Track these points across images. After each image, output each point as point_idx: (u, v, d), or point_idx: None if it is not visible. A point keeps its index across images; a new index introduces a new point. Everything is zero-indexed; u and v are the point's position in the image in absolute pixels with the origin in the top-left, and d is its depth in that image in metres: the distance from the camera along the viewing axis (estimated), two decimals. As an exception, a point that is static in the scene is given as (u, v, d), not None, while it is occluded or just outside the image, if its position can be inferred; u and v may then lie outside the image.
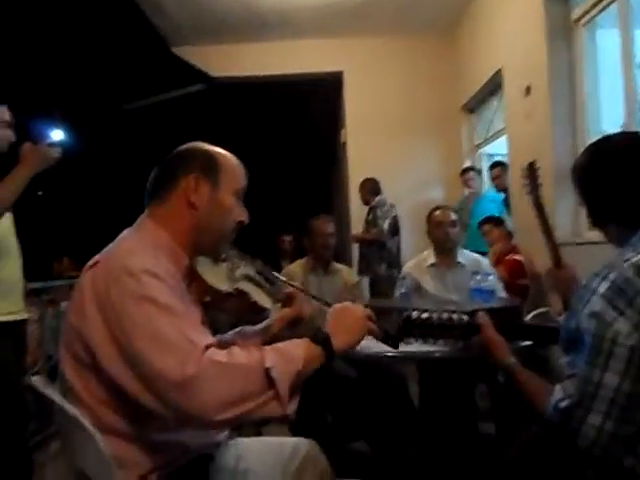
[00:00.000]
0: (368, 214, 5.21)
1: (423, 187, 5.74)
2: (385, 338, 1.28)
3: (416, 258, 2.97)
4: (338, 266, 3.06)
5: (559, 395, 1.14)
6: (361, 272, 4.94)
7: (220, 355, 1.01)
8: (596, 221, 1.30)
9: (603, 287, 1.10)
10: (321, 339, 1.11)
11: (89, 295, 1.07)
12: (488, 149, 5.59)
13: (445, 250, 2.86)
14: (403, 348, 1.52)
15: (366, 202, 5.26)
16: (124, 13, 5.01)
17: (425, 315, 1.32)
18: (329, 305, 1.28)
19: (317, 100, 6.90)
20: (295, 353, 1.06)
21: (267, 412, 1.02)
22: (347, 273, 3.07)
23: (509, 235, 3.85)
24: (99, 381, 1.08)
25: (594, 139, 1.37)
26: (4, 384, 2.01)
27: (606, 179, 1.24)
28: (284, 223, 6.11)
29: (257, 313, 1.44)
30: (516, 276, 3.46)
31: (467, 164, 5.51)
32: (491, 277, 2.56)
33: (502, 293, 2.74)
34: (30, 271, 2.31)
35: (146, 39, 5.52)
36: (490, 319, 1.40)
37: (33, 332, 2.36)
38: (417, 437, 2.51)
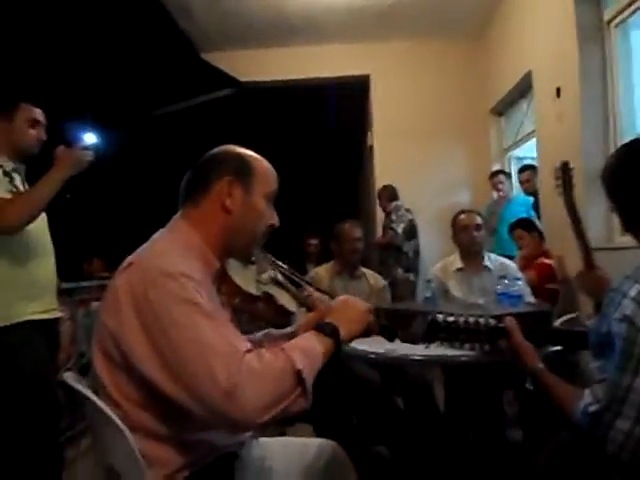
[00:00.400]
0: (385, 219, 5.37)
1: (450, 191, 5.70)
2: (382, 331, 1.30)
3: (442, 262, 2.96)
4: (364, 271, 3.06)
5: (588, 399, 1.13)
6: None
7: (255, 361, 1.03)
8: (628, 225, 1.28)
9: (634, 290, 1.08)
10: (330, 331, 1.14)
11: (125, 296, 1.08)
12: (517, 152, 5.51)
13: (471, 254, 2.83)
14: (429, 352, 1.52)
15: (384, 208, 5.41)
16: (154, 19, 5.10)
17: (451, 318, 1.31)
18: None
19: (344, 104, 6.91)
20: (316, 349, 1.10)
21: (295, 408, 1.05)
22: (373, 278, 3.07)
23: (541, 239, 3.79)
24: (130, 380, 1.09)
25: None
26: (39, 381, 2.06)
27: (638, 181, 1.21)
28: (310, 226, 6.12)
29: (283, 316, 1.46)
30: (546, 280, 3.40)
31: (496, 167, 5.45)
32: (519, 282, 2.53)
33: (530, 298, 2.70)
34: (62, 271, 2.37)
35: (175, 45, 5.60)
36: (518, 324, 1.38)
37: (66, 330, 2.41)
38: (442, 442, 2.48)
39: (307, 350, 1.08)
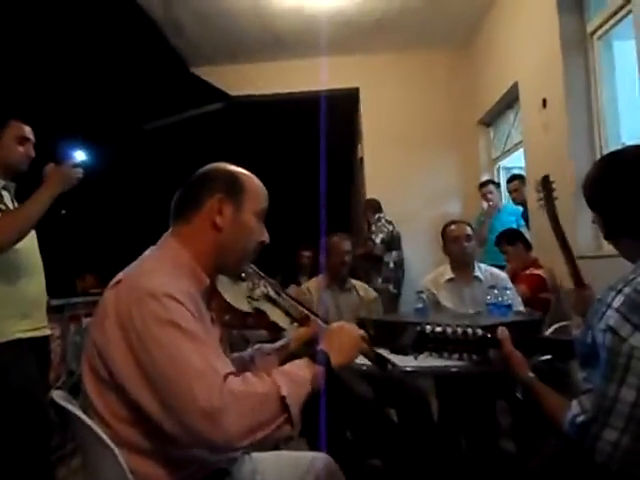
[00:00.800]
0: (367, 231, 5.44)
1: (440, 201, 5.73)
2: (377, 360, 1.32)
3: (433, 273, 2.97)
4: (354, 283, 3.06)
5: (575, 410, 1.13)
6: None
7: (238, 384, 1.03)
8: (609, 235, 1.29)
9: (618, 301, 1.09)
10: (321, 359, 1.15)
11: (111, 314, 1.09)
12: (505, 162, 5.56)
13: (462, 265, 2.85)
14: (420, 363, 1.52)
15: (368, 220, 5.46)
16: (145, 35, 5.13)
17: (439, 329, 1.32)
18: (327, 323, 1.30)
19: (334, 116, 6.93)
20: (303, 376, 1.10)
21: (280, 434, 1.06)
22: (363, 289, 3.07)
23: (527, 249, 3.79)
24: (118, 398, 1.09)
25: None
26: (28, 400, 2.04)
27: (619, 191, 1.23)
28: (303, 239, 6.13)
29: (275, 332, 1.46)
30: (538, 290, 3.41)
31: (485, 177, 5.49)
32: (509, 291, 2.54)
33: (520, 307, 2.71)
34: (52, 288, 2.36)
35: (165, 60, 5.64)
36: (508, 333, 1.39)
37: (55, 348, 2.39)
38: (436, 453, 2.48)
39: (294, 376, 1.09)
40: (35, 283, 2.20)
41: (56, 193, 2.08)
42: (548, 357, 1.77)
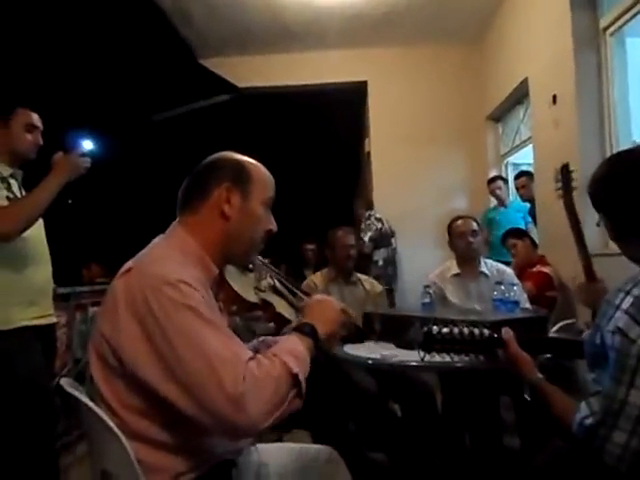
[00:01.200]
0: (357, 229, 5.45)
1: (447, 197, 5.70)
2: (356, 333, 1.33)
3: (440, 268, 2.96)
4: (360, 276, 3.07)
5: (584, 412, 1.12)
6: None
7: (256, 368, 1.04)
8: (616, 235, 1.27)
9: (626, 303, 1.08)
10: (309, 331, 1.18)
11: (122, 302, 1.08)
12: (513, 158, 5.53)
13: (468, 260, 2.84)
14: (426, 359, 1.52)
15: (359, 217, 5.48)
16: (154, 26, 5.13)
17: (446, 330, 1.31)
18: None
19: (342, 110, 6.92)
20: (302, 351, 1.13)
21: (293, 409, 1.08)
22: (369, 283, 3.07)
23: (533, 246, 3.79)
24: (127, 387, 1.09)
25: (624, 148, 1.34)
26: (34, 387, 2.06)
27: (626, 191, 1.21)
28: (308, 232, 6.13)
29: (281, 324, 1.46)
30: (545, 288, 3.40)
31: (493, 173, 5.47)
32: (515, 288, 2.53)
33: (526, 304, 2.70)
34: (59, 276, 2.37)
35: (174, 51, 5.63)
36: (514, 330, 1.38)
37: (61, 336, 2.41)
38: (440, 448, 2.48)
39: (296, 353, 1.11)
40: (42, 271, 2.20)
41: (63, 182, 2.09)
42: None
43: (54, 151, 2.16)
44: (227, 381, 0.99)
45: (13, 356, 2.02)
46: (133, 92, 6.35)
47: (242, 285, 1.33)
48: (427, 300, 2.59)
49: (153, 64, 5.82)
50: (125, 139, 7.24)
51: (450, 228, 2.94)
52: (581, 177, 3.28)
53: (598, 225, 1.31)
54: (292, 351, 1.11)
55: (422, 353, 1.34)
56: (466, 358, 1.36)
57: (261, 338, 1.51)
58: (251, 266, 1.36)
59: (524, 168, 5.01)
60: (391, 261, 5.33)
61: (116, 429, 1.08)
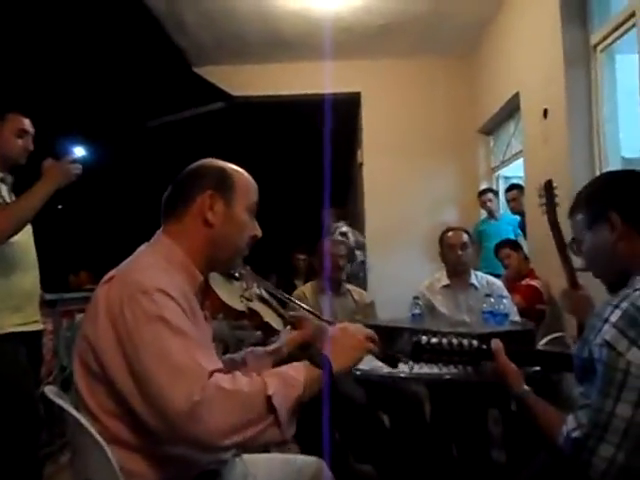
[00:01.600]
0: None
1: (439, 209, 5.73)
2: (385, 358, 1.30)
3: (430, 279, 2.97)
4: (349, 287, 3.06)
5: (571, 425, 1.12)
6: None
7: (225, 381, 1.02)
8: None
9: (615, 316, 1.08)
10: (321, 362, 1.12)
11: (103, 309, 1.09)
12: (504, 172, 5.57)
13: (458, 272, 2.85)
14: (415, 369, 1.52)
15: (328, 229, 5.43)
16: (149, 34, 5.14)
17: (434, 340, 1.31)
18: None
19: (335, 120, 6.95)
20: (296, 378, 1.08)
21: (267, 438, 1.04)
22: (358, 294, 3.07)
23: (525, 259, 3.81)
24: (108, 393, 1.09)
25: (612, 164, 1.36)
26: (18, 394, 2.03)
27: (617, 207, 1.22)
28: (299, 242, 6.13)
29: (268, 333, 1.46)
30: (534, 302, 3.42)
31: (483, 186, 5.50)
32: (505, 300, 2.54)
33: (516, 317, 2.71)
34: (46, 283, 2.35)
35: (169, 59, 5.65)
36: (502, 343, 1.38)
37: (47, 343, 2.38)
38: (427, 459, 2.47)
39: (285, 377, 1.08)
40: (29, 277, 2.19)
41: (53, 188, 2.08)
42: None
43: (45, 157, 2.15)
44: (180, 390, 0.98)
45: (-2, 363, 2.00)
46: (127, 99, 6.35)
47: (228, 293, 1.33)
48: (417, 311, 2.59)
49: (147, 71, 5.84)
50: (118, 146, 7.23)
51: (441, 239, 2.95)
52: (571, 191, 3.34)
53: (571, 248, 1.33)
54: (281, 374, 1.08)
55: (411, 363, 1.34)
56: (454, 369, 1.35)
57: (250, 348, 1.50)
58: (237, 275, 1.36)
59: (515, 181, 5.05)
60: (355, 276, 5.14)
61: (98, 437, 1.08)
